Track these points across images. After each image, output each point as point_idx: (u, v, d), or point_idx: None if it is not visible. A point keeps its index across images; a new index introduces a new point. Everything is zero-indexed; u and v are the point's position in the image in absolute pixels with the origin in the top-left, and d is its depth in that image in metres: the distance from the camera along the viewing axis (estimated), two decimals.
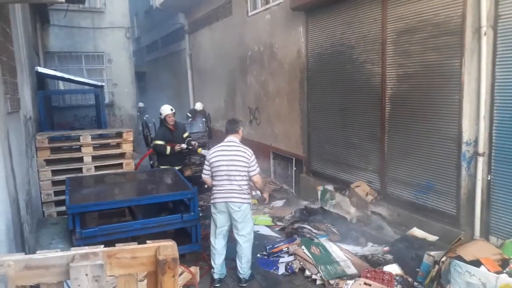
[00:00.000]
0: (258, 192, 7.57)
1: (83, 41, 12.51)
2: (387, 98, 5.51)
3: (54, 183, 5.73)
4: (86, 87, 9.77)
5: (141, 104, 14.37)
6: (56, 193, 5.70)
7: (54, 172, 5.75)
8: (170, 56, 16.27)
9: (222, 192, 4.31)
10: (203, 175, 4.52)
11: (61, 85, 11.89)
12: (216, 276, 4.48)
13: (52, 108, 10.75)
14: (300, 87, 7.56)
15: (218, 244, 4.43)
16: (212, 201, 4.41)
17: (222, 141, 4.51)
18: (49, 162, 5.76)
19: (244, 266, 4.42)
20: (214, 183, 4.38)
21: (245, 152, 4.34)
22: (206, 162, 4.44)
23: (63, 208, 5.39)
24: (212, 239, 4.47)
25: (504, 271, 3.62)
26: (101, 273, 1.72)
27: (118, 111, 13.25)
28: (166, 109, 6.72)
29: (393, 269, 4.28)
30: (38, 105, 7.19)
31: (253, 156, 4.38)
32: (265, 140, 9.11)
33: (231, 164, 4.29)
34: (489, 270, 3.61)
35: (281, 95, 8.33)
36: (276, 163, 8.92)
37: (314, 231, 5.50)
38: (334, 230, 5.60)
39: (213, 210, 4.42)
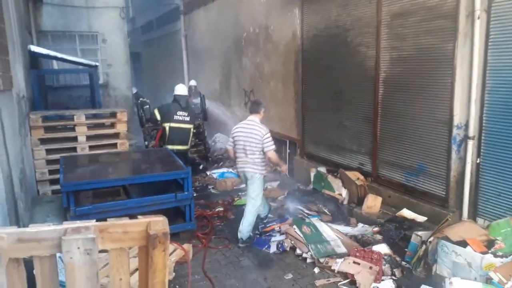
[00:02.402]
0: None
1: (77, 20, 12.29)
2: (380, 81, 5.52)
3: (49, 162, 5.73)
4: (80, 67, 9.66)
5: (134, 90, 14.21)
6: (51, 172, 5.71)
7: (48, 151, 5.74)
8: (165, 37, 16.08)
9: (240, 162, 5.00)
10: (227, 146, 5.29)
11: (55, 65, 11.74)
12: (239, 235, 4.94)
13: (47, 88, 10.63)
14: (295, 69, 7.53)
15: (246, 205, 5.05)
16: (235, 169, 5.32)
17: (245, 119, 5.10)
18: (43, 141, 5.75)
19: (244, 227, 4.92)
20: (236, 154, 5.06)
21: (260, 130, 4.86)
22: (230, 136, 5.14)
23: (57, 187, 5.40)
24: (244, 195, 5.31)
25: (489, 251, 3.71)
26: (93, 247, 1.75)
27: (112, 91, 13.13)
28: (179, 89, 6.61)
29: (382, 248, 4.37)
30: (31, 84, 7.12)
31: (268, 134, 4.87)
32: None
33: (247, 139, 4.88)
34: (475, 250, 3.70)
35: (276, 78, 8.30)
36: None
37: (306, 211, 5.57)
38: (326, 211, 5.69)
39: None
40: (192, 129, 6.52)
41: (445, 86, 4.60)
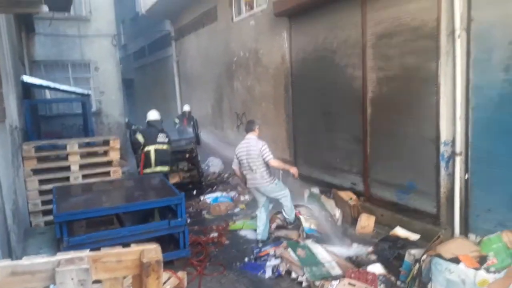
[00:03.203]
0: (247, 197, 7.69)
1: (69, 49, 12.48)
2: (368, 101, 5.66)
3: (42, 192, 5.74)
4: (73, 95, 9.77)
5: (126, 119, 14.29)
6: (44, 203, 5.71)
7: (41, 182, 5.75)
8: (157, 63, 16.32)
9: (250, 179, 5.49)
10: (233, 166, 5.72)
11: (48, 94, 11.86)
12: (258, 237, 5.58)
13: (40, 117, 10.71)
14: (285, 91, 7.69)
15: (258, 212, 5.65)
16: (247, 185, 5.69)
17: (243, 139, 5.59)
18: (36, 171, 5.78)
19: (288, 212, 5.61)
20: (244, 173, 5.54)
21: (256, 145, 5.34)
22: (235, 156, 5.58)
23: (50, 218, 5.39)
24: (257, 210, 5.71)
25: (482, 267, 3.75)
26: (87, 277, 1.78)
27: (105, 118, 13.22)
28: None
29: (377, 269, 4.40)
30: (24, 115, 7.20)
31: (264, 146, 5.33)
32: None
33: (248, 157, 5.37)
34: (467, 267, 3.74)
35: (267, 100, 8.45)
36: None
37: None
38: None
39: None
40: (170, 149, 6.68)
41: (431, 104, 4.74)
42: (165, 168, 6.48)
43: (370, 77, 5.59)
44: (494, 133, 4.20)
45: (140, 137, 6.39)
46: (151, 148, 6.34)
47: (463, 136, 4.46)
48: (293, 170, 5.55)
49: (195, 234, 6.03)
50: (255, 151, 5.32)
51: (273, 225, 5.89)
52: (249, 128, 5.58)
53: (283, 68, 7.69)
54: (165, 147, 6.49)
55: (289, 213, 5.65)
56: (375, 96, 5.57)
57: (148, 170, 6.35)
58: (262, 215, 5.65)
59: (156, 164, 6.36)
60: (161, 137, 6.47)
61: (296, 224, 5.65)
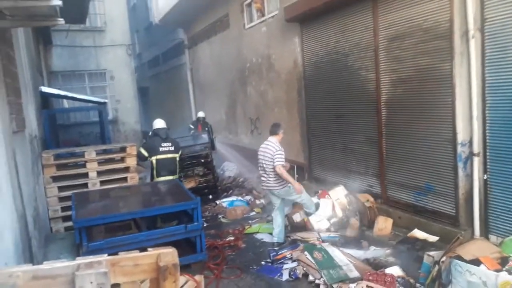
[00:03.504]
0: (262, 201, 7.68)
1: (86, 59, 12.74)
2: (382, 103, 5.60)
3: (61, 199, 5.82)
4: (90, 104, 9.93)
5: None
6: (63, 209, 5.79)
7: (61, 188, 5.84)
8: (171, 71, 16.49)
9: (263, 182, 5.56)
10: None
11: (65, 104, 12.09)
12: (274, 240, 5.57)
13: (58, 126, 10.92)
14: (298, 95, 7.67)
15: (274, 214, 5.64)
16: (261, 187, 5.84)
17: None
18: (55, 178, 5.87)
19: (307, 207, 5.74)
20: (259, 173, 5.64)
21: (271, 149, 5.37)
22: None
23: (70, 224, 5.46)
24: (273, 212, 5.70)
25: (504, 269, 3.65)
26: (105, 281, 1.79)
27: (122, 126, 13.42)
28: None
29: (395, 271, 4.32)
30: (43, 124, 7.33)
31: (279, 151, 5.34)
32: None
33: (264, 158, 5.44)
34: (488, 269, 3.64)
35: (280, 105, 8.44)
36: None
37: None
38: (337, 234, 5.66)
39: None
40: (177, 158, 6.59)
41: (446, 104, 4.66)
42: (172, 177, 6.43)
43: (384, 79, 5.54)
44: (511, 131, 4.10)
45: (142, 151, 6.41)
46: (153, 159, 6.37)
47: (480, 136, 4.37)
48: (297, 186, 5.45)
49: (211, 238, 6.03)
50: (269, 155, 5.36)
51: (295, 216, 5.96)
52: (272, 131, 5.60)
53: (295, 72, 7.67)
54: (169, 156, 6.42)
55: (309, 207, 5.75)
56: (389, 98, 5.51)
57: (156, 179, 6.38)
58: (277, 218, 5.63)
59: (160, 174, 6.36)
60: (165, 146, 6.45)
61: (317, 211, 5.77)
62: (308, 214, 5.89)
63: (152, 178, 6.48)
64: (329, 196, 6.13)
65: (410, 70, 5.10)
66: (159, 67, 18.25)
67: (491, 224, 4.41)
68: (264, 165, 5.44)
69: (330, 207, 6.00)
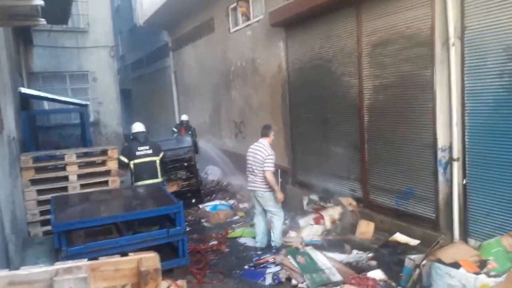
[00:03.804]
0: (246, 205, 7.66)
1: (68, 60, 12.52)
2: (365, 109, 5.67)
3: (40, 202, 5.68)
4: (71, 106, 9.76)
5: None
6: (42, 213, 5.66)
7: (40, 192, 5.71)
8: (155, 73, 16.36)
9: (250, 182, 5.56)
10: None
11: (46, 105, 11.85)
12: (257, 245, 5.63)
13: (37, 127, 10.69)
14: (282, 100, 7.70)
15: (256, 219, 5.69)
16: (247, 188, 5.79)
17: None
18: (34, 182, 5.73)
19: (275, 235, 5.51)
20: (246, 174, 5.65)
21: (263, 152, 5.39)
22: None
23: (49, 228, 5.33)
24: (254, 216, 5.76)
25: (482, 272, 3.73)
26: (85, 286, 1.75)
27: (103, 128, 13.22)
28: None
29: (377, 274, 4.37)
30: (22, 126, 7.16)
31: (270, 156, 5.39)
32: None
33: (254, 159, 5.45)
34: (468, 271, 3.71)
35: (264, 109, 8.46)
36: None
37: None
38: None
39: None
40: (158, 161, 6.50)
41: (427, 110, 4.74)
42: (154, 180, 6.34)
43: (366, 85, 5.61)
44: (490, 137, 4.20)
45: (122, 158, 6.31)
46: (131, 163, 6.30)
47: (460, 141, 4.45)
48: (279, 195, 5.45)
49: (194, 242, 5.98)
50: (261, 157, 5.38)
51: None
52: (264, 133, 5.61)
53: (280, 77, 7.71)
54: (147, 159, 6.33)
55: (277, 237, 5.52)
56: (372, 104, 5.58)
57: (136, 184, 6.29)
58: (259, 223, 5.65)
59: (140, 179, 6.28)
60: (142, 150, 6.36)
61: (281, 251, 5.22)
62: (273, 246, 5.51)
63: (132, 183, 6.40)
64: (323, 216, 5.92)
65: (392, 76, 5.18)
66: (143, 69, 18.09)
67: (470, 228, 4.49)
68: (253, 167, 5.45)
69: (320, 230, 5.78)
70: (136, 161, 6.28)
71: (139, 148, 6.33)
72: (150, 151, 6.38)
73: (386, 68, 5.25)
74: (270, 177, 5.37)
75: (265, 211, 5.64)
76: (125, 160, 6.27)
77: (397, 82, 5.11)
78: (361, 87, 5.68)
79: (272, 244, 5.53)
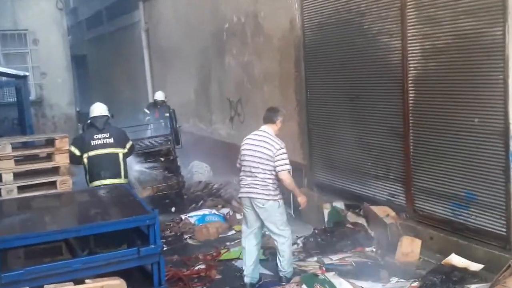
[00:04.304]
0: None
1: None
2: (410, 82, 5.67)
3: None
4: (3, 78, 9.78)
5: (77, 109, 14.17)
6: None
7: None
8: (119, 32, 16.34)
9: (246, 186, 5.38)
10: (237, 165, 5.63)
11: None
12: (246, 280, 5.40)
13: None
14: (296, 69, 7.70)
15: (248, 243, 5.44)
16: (239, 195, 5.61)
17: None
18: None
19: (284, 264, 5.38)
20: (240, 174, 5.50)
21: (272, 145, 5.24)
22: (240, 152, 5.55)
23: None
24: (242, 237, 5.56)
25: None
26: None
27: (49, 110, 13.25)
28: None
29: None
30: None
31: (282, 150, 5.25)
32: None
33: (254, 155, 5.30)
34: None
35: (271, 81, 8.46)
36: None
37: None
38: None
39: (243, 205, 5.55)
40: (121, 155, 6.49)
41: (496, 84, 4.73)
42: (116, 180, 6.37)
43: (413, 48, 5.59)
44: None
45: (72, 149, 6.29)
46: (84, 158, 6.31)
47: None
48: (302, 199, 5.51)
49: (174, 266, 6.04)
50: (267, 151, 5.23)
51: None
52: (267, 118, 5.48)
53: (292, 37, 7.69)
54: (105, 151, 6.35)
55: (286, 265, 5.40)
56: (420, 74, 5.58)
57: (91, 185, 6.34)
58: (251, 248, 5.46)
59: (95, 177, 6.32)
60: (99, 139, 6.33)
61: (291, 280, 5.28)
62: (283, 277, 5.46)
63: (87, 184, 6.42)
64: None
65: (448, 36, 5.15)
66: (102, 28, 18.07)
67: None
68: (254, 165, 5.31)
69: None
70: (91, 153, 6.30)
71: (96, 136, 6.35)
72: (111, 140, 6.37)
73: (439, 25, 5.22)
74: (288, 179, 5.32)
75: (260, 232, 5.53)
76: (76, 151, 6.29)
77: (455, 43, 5.09)
78: (404, 52, 5.67)
79: (281, 275, 5.43)
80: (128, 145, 6.62)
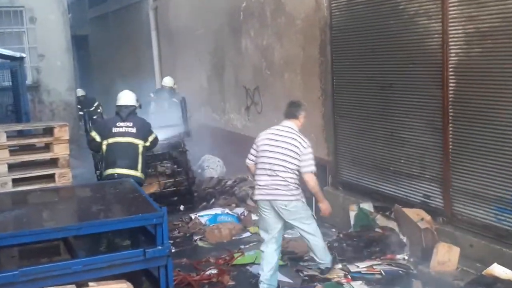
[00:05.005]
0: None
1: None
2: (450, 69, 5.61)
3: None
4: None
5: (80, 93, 14.22)
6: None
7: None
8: (124, 11, 16.39)
9: (264, 187, 5.41)
10: (247, 160, 5.71)
11: None
12: (262, 287, 5.40)
13: None
14: (321, 54, 7.66)
15: (267, 248, 5.47)
16: (254, 197, 5.69)
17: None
18: None
19: (320, 255, 5.56)
20: (256, 172, 5.54)
21: (299, 142, 5.34)
22: (253, 145, 5.60)
23: None
24: (262, 244, 5.57)
25: None
26: None
27: (47, 95, 13.34)
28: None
29: None
30: None
31: (309, 149, 5.37)
32: None
33: (277, 151, 5.37)
34: None
35: (292, 68, 8.44)
36: None
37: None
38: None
39: (259, 208, 5.59)
40: (141, 147, 6.58)
41: None
42: (131, 172, 6.43)
43: (454, 31, 5.53)
44: None
45: (94, 134, 6.46)
46: (104, 144, 6.42)
47: None
48: (324, 205, 5.63)
49: (183, 270, 6.07)
50: (294, 148, 5.32)
51: None
52: (290, 113, 5.60)
53: (317, 18, 7.66)
54: (126, 139, 6.50)
55: (322, 255, 5.60)
56: (462, 61, 5.52)
57: (105, 173, 6.50)
58: (271, 253, 5.50)
59: (111, 166, 6.44)
60: (121, 127, 6.46)
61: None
62: (320, 269, 5.75)
63: (100, 173, 6.51)
64: None
65: (494, 19, 5.09)
66: (106, 6, 18.15)
67: None
68: (275, 162, 5.35)
69: None
70: (111, 140, 6.43)
71: (118, 124, 6.48)
72: (133, 130, 6.53)
73: (485, 6, 5.17)
74: (313, 181, 5.40)
75: (280, 237, 5.61)
76: (97, 137, 6.42)
77: (501, 27, 5.02)
78: (445, 36, 5.61)
79: (322, 267, 5.68)
80: (150, 138, 6.77)
